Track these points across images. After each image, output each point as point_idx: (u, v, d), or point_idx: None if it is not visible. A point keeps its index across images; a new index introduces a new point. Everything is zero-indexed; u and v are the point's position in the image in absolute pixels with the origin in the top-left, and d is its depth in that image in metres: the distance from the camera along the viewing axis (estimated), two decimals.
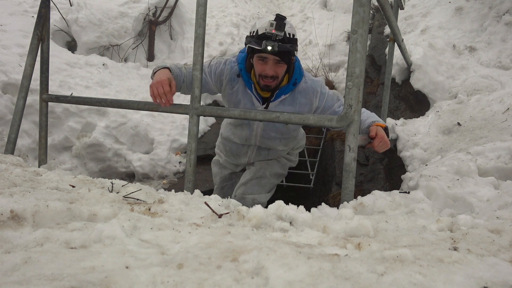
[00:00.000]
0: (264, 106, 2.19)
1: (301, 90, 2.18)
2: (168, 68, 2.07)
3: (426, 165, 2.46)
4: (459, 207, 1.68)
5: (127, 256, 0.90)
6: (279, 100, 2.17)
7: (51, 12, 2.56)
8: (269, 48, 1.91)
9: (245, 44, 2.06)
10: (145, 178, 5.06)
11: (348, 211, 1.30)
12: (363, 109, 2.03)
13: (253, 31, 2.01)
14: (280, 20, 1.95)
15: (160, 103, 1.96)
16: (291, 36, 1.98)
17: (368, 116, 2.09)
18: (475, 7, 4.29)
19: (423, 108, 3.72)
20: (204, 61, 2.02)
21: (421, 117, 3.54)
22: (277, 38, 1.93)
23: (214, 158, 2.85)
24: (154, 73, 2.06)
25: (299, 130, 2.54)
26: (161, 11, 6.98)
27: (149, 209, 1.29)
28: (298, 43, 2.06)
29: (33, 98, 4.30)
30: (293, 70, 2.16)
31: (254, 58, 2.05)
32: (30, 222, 1.07)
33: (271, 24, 1.94)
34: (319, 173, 4.92)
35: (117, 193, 1.48)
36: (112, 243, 0.97)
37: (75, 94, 4.66)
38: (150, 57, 6.96)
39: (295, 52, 2.04)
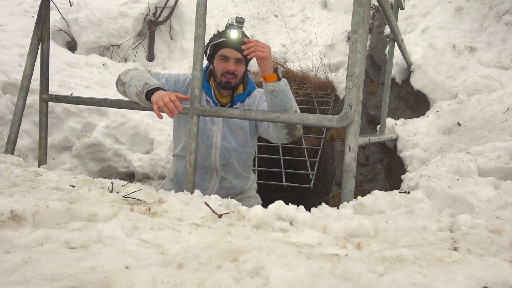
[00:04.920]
0: None
1: (252, 98, 2.37)
2: (158, 86, 2.04)
3: (426, 165, 2.46)
4: (459, 207, 1.68)
5: (127, 256, 0.90)
6: (235, 106, 2.29)
7: (51, 12, 2.57)
8: (233, 33, 2.05)
9: (205, 50, 2.17)
10: (145, 178, 5.05)
11: (348, 211, 1.30)
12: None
13: (214, 34, 2.22)
14: (240, 16, 2.13)
15: (169, 112, 1.93)
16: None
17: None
18: (475, 7, 4.28)
19: (423, 108, 3.72)
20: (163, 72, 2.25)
21: (421, 117, 3.54)
22: (239, 27, 2.08)
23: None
24: (145, 94, 2.00)
25: (253, 152, 2.50)
26: (161, 11, 6.98)
27: (149, 209, 1.29)
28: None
29: (33, 98, 4.30)
30: (247, 83, 2.35)
31: (216, 60, 2.18)
32: (30, 222, 1.07)
33: (232, 19, 2.09)
34: (319, 173, 4.91)
35: (117, 193, 1.48)
36: (112, 243, 0.97)
37: (75, 94, 4.66)
38: (150, 57, 6.95)
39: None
